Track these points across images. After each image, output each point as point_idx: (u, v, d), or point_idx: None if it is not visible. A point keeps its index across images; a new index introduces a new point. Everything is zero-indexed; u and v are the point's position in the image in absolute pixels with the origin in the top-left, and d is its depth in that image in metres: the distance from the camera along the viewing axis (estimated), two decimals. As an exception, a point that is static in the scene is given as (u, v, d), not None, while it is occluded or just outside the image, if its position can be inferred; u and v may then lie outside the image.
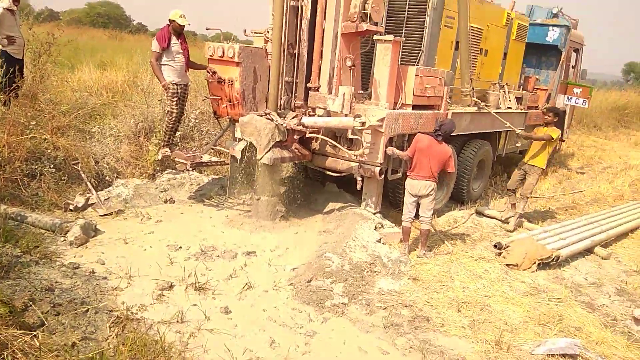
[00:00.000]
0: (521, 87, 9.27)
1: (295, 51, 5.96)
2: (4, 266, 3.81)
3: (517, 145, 9.11)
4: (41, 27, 8.67)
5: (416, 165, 5.29)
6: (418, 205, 5.40)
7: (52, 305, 3.63)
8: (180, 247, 5.07)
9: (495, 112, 7.31)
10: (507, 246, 5.66)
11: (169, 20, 5.94)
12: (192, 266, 4.62)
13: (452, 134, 5.51)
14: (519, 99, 8.35)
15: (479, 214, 7.14)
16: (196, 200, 6.59)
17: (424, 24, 6.48)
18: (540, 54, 10.36)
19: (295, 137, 5.94)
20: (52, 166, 5.99)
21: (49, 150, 6.16)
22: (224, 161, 6.86)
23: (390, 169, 5.98)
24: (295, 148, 5.95)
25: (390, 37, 5.46)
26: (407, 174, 5.43)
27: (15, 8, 6.55)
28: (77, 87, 8.35)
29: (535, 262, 5.41)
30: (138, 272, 4.42)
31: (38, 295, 3.70)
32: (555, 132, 6.50)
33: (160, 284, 4.24)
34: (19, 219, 5.06)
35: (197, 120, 8.14)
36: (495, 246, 5.76)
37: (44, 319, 3.36)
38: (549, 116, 6.59)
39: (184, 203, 6.47)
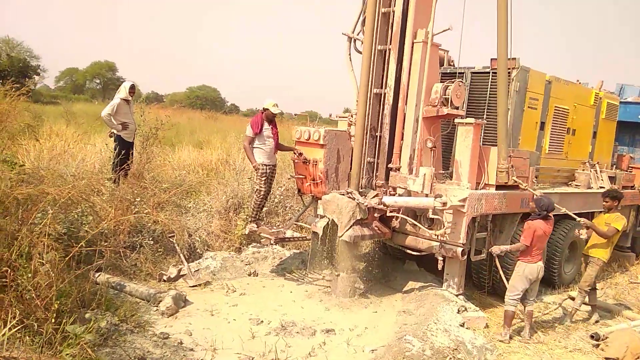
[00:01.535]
0: (614, 166, 8.82)
1: (377, 133, 6.24)
2: (104, 335, 4.12)
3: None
4: (148, 108, 9.68)
5: (533, 250, 5.23)
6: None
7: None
8: (262, 321, 5.20)
9: (585, 192, 6.98)
10: (606, 337, 5.18)
11: (263, 108, 6.50)
12: (272, 341, 4.71)
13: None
14: (612, 179, 7.93)
15: (573, 299, 6.64)
16: (278, 273, 6.79)
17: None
18: (634, 132, 9.90)
19: (376, 215, 6.04)
20: (150, 239, 6.53)
21: (149, 224, 6.74)
22: (305, 237, 7.08)
23: (473, 249, 5.84)
24: (376, 226, 6.03)
25: (471, 120, 5.56)
26: (522, 259, 5.30)
27: (130, 98, 7.53)
28: (177, 166, 9.17)
29: (638, 357, 4.88)
30: (222, 345, 4.57)
31: (132, 364, 3.96)
32: (619, 222, 5.81)
33: (242, 358, 4.35)
34: (118, 288, 5.51)
35: (281, 197, 8.55)
36: (592, 337, 5.30)
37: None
38: (606, 201, 5.94)
39: (266, 276, 6.69)
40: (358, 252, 6.17)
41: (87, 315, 3.99)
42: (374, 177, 6.28)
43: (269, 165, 6.55)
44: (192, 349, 4.47)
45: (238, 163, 9.17)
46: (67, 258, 3.97)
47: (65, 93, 39.62)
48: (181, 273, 6.25)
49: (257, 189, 6.61)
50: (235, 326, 5.08)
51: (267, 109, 6.45)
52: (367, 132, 6.16)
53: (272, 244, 6.75)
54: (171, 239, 6.63)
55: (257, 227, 6.67)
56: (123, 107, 7.31)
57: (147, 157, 7.73)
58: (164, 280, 6.07)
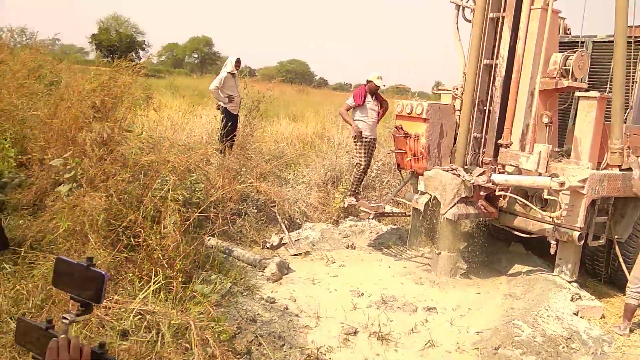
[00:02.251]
0: None
1: (486, 107, 5.92)
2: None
3: None
4: (250, 82, 9.99)
5: None
6: None
7: (255, 335, 4.05)
8: (362, 294, 5.25)
9: None
10: None
11: (367, 80, 6.42)
12: (374, 314, 4.73)
13: None
14: None
15: None
16: (375, 248, 6.79)
17: (633, 79, 5.89)
18: None
19: (482, 193, 5.79)
20: (254, 207, 6.80)
21: (253, 194, 7.01)
22: (405, 213, 6.99)
23: (591, 234, 5.42)
24: (481, 205, 5.79)
25: (595, 93, 5.09)
26: None
27: (236, 72, 7.79)
28: (276, 138, 9.41)
29: None
30: (325, 313, 4.68)
31: (244, 325, 4.17)
32: None
33: (346, 328, 4.43)
34: (227, 252, 5.82)
35: (378, 171, 8.49)
36: None
37: (249, 348, 3.77)
38: None
39: (363, 250, 6.72)
40: (460, 230, 5.98)
41: (212, 277, 4.24)
42: (481, 154, 6.00)
43: (370, 138, 6.49)
44: (297, 315, 4.62)
45: (336, 136, 9.21)
46: (188, 222, 4.22)
47: (167, 67, 42.08)
48: (282, 242, 6.46)
49: (356, 163, 6.60)
50: (336, 296, 5.17)
51: (371, 81, 6.36)
52: (475, 106, 5.87)
53: (370, 219, 6.75)
54: (273, 209, 6.85)
55: (356, 201, 6.69)
56: (229, 80, 7.59)
57: (250, 129, 8.01)
58: (267, 248, 6.31)
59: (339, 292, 5.26)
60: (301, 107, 15.77)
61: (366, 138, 6.44)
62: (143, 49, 41.92)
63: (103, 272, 1.18)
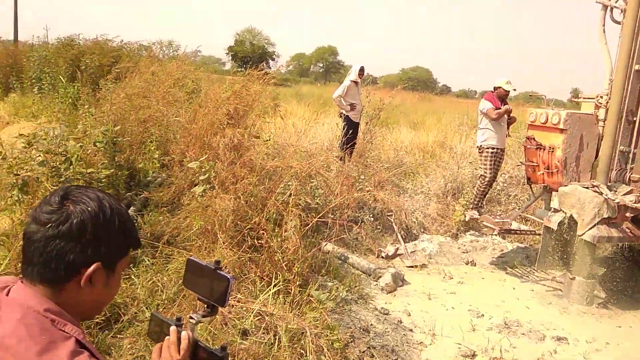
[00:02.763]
0: None
1: (635, 118, 5.26)
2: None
3: None
4: (372, 90, 10.04)
5: None
6: None
7: (367, 347, 4.01)
8: (482, 315, 4.93)
9: None
10: None
11: (494, 87, 6.07)
12: (495, 338, 4.42)
13: None
14: None
15: None
16: (498, 266, 6.36)
17: None
18: None
19: (628, 215, 5.13)
20: (371, 215, 6.77)
21: (370, 202, 7.00)
22: (534, 231, 6.46)
23: None
24: (627, 228, 5.14)
25: None
26: None
27: (359, 80, 7.85)
28: (396, 147, 9.31)
29: None
30: (441, 331, 4.48)
31: (356, 334, 4.15)
32: None
33: (463, 349, 4.19)
34: (342, 258, 5.86)
35: (505, 184, 7.97)
36: None
37: (361, 359, 3.73)
38: None
39: (485, 267, 6.33)
40: (599, 255, 5.35)
41: (329, 284, 4.30)
42: (628, 170, 5.32)
43: (497, 148, 6.11)
44: (411, 330, 4.49)
45: (458, 146, 8.84)
46: (307, 227, 4.32)
47: (293, 76, 44.14)
48: (398, 252, 6.34)
49: (481, 175, 6.26)
50: (453, 314, 4.92)
51: (500, 87, 6.01)
52: (622, 116, 5.23)
53: (494, 234, 6.34)
54: (389, 218, 6.77)
55: (479, 215, 6.34)
56: (352, 89, 7.68)
57: (370, 137, 8.01)
58: (382, 257, 6.24)
59: (457, 311, 5.01)
60: (422, 114, 15.45)
61: (493, 148, 6.07)
62: (273, 59, 44.53)
63: (229, 276, 1.21)
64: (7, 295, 1.04)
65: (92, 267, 1.06)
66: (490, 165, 6.13)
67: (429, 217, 7.30)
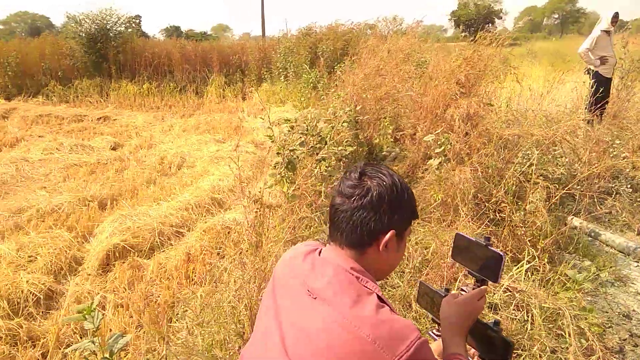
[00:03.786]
0: None
1: None
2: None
3: None
4: (621, 38, 8.52)
5: None
6: None
7: (629, 334, 3.56)
8: None
9: None
10: None
11: None
12: None
13: None
14: None
15: None
16: None
17: None
18: None
19: None
20: (628, 186, 5.86)
21: (627, 170, 6.05)
22: None
23: None
24: None
25: None
26: None
27: (612, 29, 6.75)
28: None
29: None
30: None
31: (615, 320, 3.72)
32: None
33: None
34: (592, 235, 5.24)
35: None
36: None
37: (622, 347, 3.34)
38: None
39: None
40: None
41: (585, 264, 3.98)
42: None
43: None
44: None
45: None
46: (552, 200, 4.01)
47: (523, 33, 40.21)
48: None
49: None
50: None
51: None
52: None
53: None
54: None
55: None
56: (603, 40, 6.66)
57: (626, 94, 6.86)
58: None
59: None
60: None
61: None
62: (500, 18, 41.30)
63: (501, 253, 1.25)
64: (319, 255, 1.30)
65: (388, 234, 1.23)
66: None
67: None
